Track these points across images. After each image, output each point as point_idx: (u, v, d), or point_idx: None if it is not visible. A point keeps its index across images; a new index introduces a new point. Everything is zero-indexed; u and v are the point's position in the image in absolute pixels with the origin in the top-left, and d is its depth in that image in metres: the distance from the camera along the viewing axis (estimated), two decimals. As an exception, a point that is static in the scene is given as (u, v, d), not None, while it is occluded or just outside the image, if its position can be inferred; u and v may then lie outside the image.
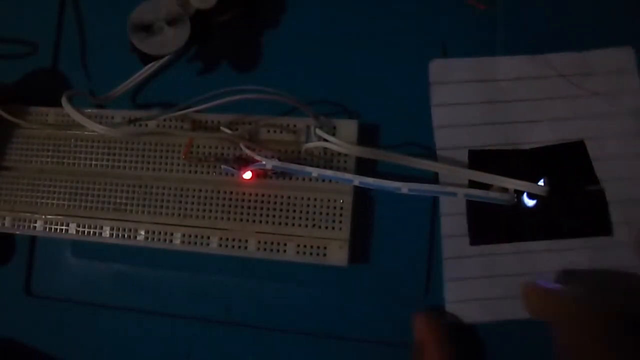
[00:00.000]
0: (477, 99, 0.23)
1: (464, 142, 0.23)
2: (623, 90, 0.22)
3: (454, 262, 0.23)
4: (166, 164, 0.24)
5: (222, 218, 0.23)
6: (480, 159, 0.23)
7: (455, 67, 0.23)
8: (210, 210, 0.24)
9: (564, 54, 0.23)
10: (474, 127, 0.23)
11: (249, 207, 0.23)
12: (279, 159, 0.23)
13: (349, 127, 0.23)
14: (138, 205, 0.24)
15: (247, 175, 0.23)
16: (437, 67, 0.24)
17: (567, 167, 0.22)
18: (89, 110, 0.25)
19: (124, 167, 0.24)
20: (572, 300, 0.20)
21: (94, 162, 0.25)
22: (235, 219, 0.23)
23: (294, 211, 0.23)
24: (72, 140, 0.25)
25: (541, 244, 0.22)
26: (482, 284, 0.22)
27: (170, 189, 0.24)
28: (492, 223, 0.23)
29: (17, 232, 0.25)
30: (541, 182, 0.22)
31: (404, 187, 0.22)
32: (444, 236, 0.23)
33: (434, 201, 0.23)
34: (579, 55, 0.23)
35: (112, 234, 0.24)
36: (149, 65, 0.25)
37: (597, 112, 0.22)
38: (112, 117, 0.25)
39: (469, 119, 0.23)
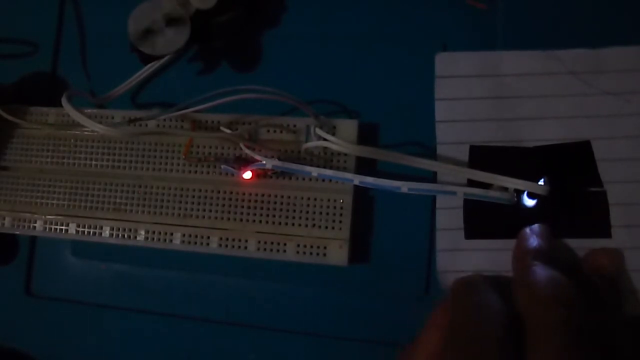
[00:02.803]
0: (482, 94, 0.23)
1: (466, 137, 0.23)
2: (637, 90, 0.22)
3: (448, 254, 0.22)
4: (166, 164, 0.24)
5: (222, 218, 0.23)
6: (481, 155, 0.23)
7: (461, 60, 0.23)
8: (210, 210, 0.24)
9: (575, 51, 0.22)
10: (476, 123, 0.23)
11: (248, 207, 0.23)
12: (279, 159, 0.23)
13: (349, 127, 0.23)
14: (138, 205, 0.24)
15: (247, 175, 0.23)
16: (443, 61, 0.23)
17: (570, 167, 0.22)
18: (89, 110, 0.25)
19: (124, 167, 0.24)
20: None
21: (93, 162, 0.25)
22: (235, 219, 0.23)
23: (294, 211, 0.23)
24: (72, 140, 0.25)
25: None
26: None
27: (170, 189, 0.24)
28: (489, 218, 0.22)
29: (17, 232, 0.25)
30: (541, 182, 0.22)
31: (403, 187, 0.22)
32: (439, 229, 0.23)
33: (434, 201, 0.23)
34: (591, 52, 0.22)
35: (112, 234, 0.24)
36: (149, 65, 0.25)
37: (606, 112, 0.22)
38: (112, 117, 0.25)
39: (473, 114, 0.23)
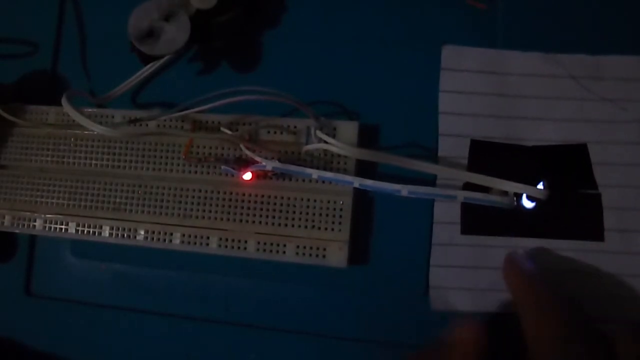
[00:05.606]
0: (485, 90, 0.23)
1: (468, 131, 0.23)
2: (633, 98, 0.22)
3: (442, 248, 0.23)
4: (166, 164, 0.24)
5: (222, 218, 0.23)
6: (481, 150, 0.23)
7: (467, 55, 0.23)
8: (210, 211, 0.24)
9: (576, 56, 0.23)
10: (479, 117, 0.23)
11: (248, 208, 0.23)
12: (279, 160, 0.23)
13: (349, 129, 0.23)
14: (138, 205, 0.24)
15: (247, 176, 0.23)
16: (450, 53, 0.24)
17: (567, 168, 0.22)
18: (89, 110, 0.25)
19: (124, 167, 0.24)
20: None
21: (93, 162, 0.25)
22: (234, 220, 0.23)
23: (294, 212, 0.23)
24: (72, 139, 0.25)
25: (532, 242, 0.22)
26: (467, 273, 0.22)
27: (170, 189, 0.24)
28: (485, 215, 0.23)
29: (17, 231, 0.25)
30: (540, 186, 0.22)
31: (404, 190, 0.22)
32: (436, 222, 0.23)
33: (434, 202, 0.23)
34: (591, 58, 0.23)
35: (112, 234, 0.24)
36: (149, 65, 0.25)
37: (603, 117, 0.22)
38: (112, 117, 0.25)
39: (475, 109, 0.23)
